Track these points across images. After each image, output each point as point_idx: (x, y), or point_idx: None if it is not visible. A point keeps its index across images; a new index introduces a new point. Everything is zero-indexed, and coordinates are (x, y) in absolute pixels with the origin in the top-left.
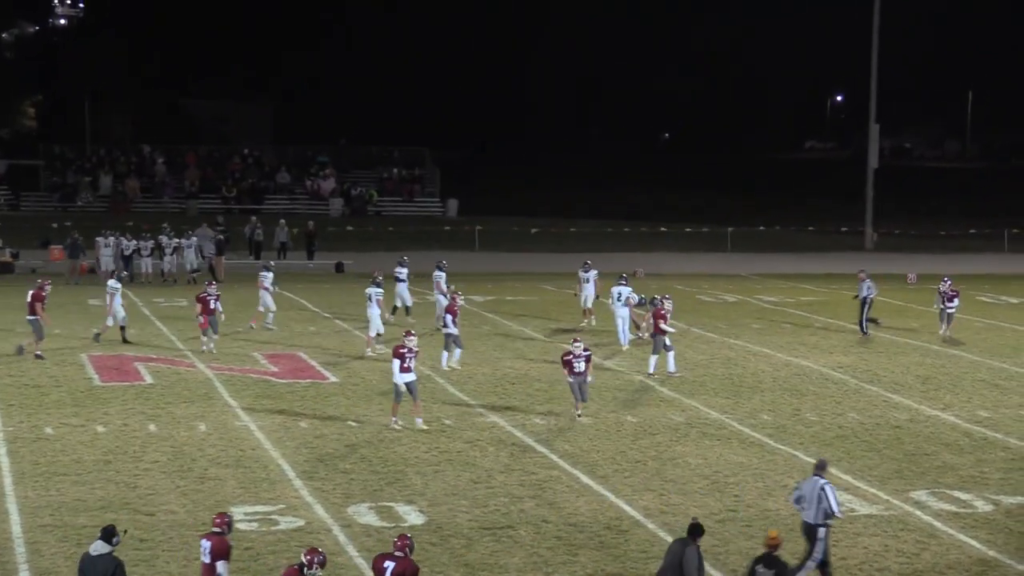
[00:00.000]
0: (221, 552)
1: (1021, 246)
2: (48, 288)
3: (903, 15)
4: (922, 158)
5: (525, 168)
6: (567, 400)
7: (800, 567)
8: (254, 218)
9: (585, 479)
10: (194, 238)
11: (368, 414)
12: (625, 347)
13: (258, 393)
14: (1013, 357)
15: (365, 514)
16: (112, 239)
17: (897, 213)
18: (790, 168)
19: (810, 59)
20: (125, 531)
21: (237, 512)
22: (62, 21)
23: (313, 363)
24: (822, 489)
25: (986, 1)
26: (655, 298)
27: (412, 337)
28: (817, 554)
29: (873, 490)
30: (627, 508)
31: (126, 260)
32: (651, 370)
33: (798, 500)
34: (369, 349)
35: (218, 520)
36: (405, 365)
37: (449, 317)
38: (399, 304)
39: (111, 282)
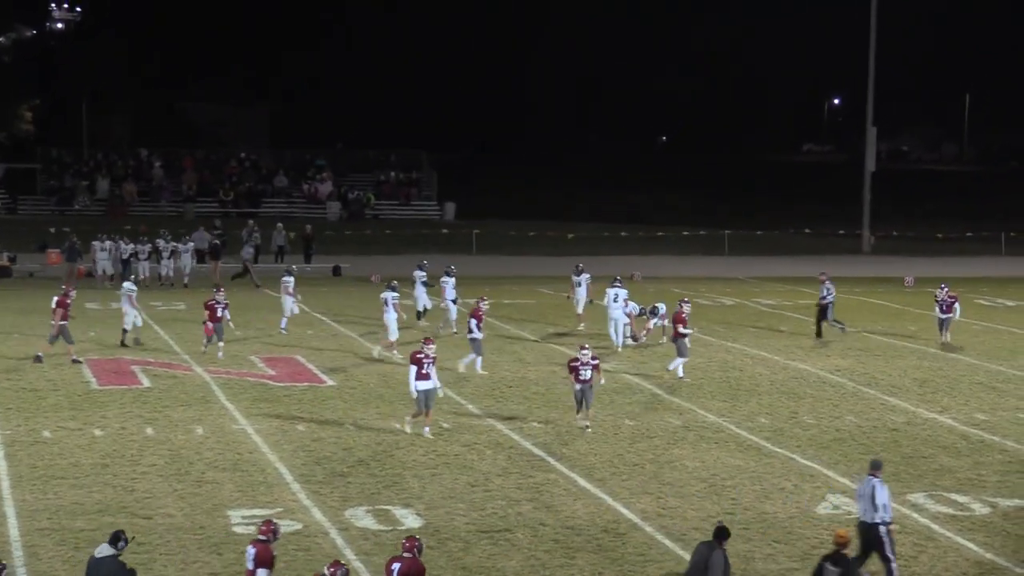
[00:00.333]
0: (265, 560)
1: (1018, 249)
2: (72, 295)
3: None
4: (919, 161)
5: (524, 168)
6: (565, 404)
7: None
8: (251, 222)
9: (582, 482)
10: (191, 243)
11: (366, 418)
12: (619, 349)
13: (255, 397)
14: (1010, 360)
15: (362, 517)
16: (109, 243)
17: (894, 216)
18: (787, 171)
19: (808, 61)
20: (133, 537)
21: (234, 516)
22: (59, 25)
23: (311, 367)
24: (873, 488)
25: (985, 2)
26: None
27: (431, 344)
28: (889, 552)
29: None
30: (624, 511)
31: (124, 264)
32: (680, 374)
33: (858, 499)
34: (377, 350)
35: (264, 528)
36: (423, 372)
37: (474, 322)
38: (421, 308)
39: (127, 284)
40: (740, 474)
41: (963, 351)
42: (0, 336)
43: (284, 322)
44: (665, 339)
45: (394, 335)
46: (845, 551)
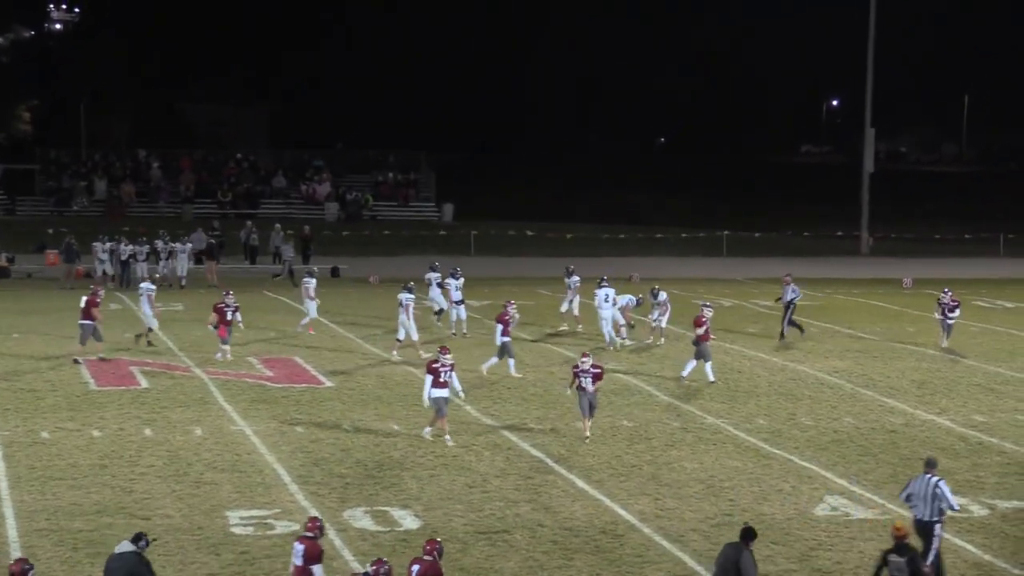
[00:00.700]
0: (314, 556)
1: (1017, 251)
2: (101, 294)
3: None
4: (918, 162)
5: (524, 169)
6: (563, 406)
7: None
8: (249, 223)
9: (581, 483)
10: (188, 244)
11: (364, 419)
12: (610, 348)
13: (254, 398)
14: (1009, 361)
15: (360, 518)
16: (110, 244)
17: (893, 217)
18: (786, 172)
19: (807, 61)
20: (155, 539)
21: (233, 516)
22: (57, 26)
23: (309, 368)
24: (936, 486)
25: (984, 3)
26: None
27: (447, 354)
28: (934, 550)
29: (868, 494)
30: (622, 512)
31: (123, 265)
32: (711, 378)
33: (908, 498)
34: (395, 353)
35: (310, 524)
36: (440, 380)
37: (500, 326)
38: (438, 308)
39: (145, 284)
40: (738, 475)
41: (961, 352)
42: None
43: (305, 320)
44: (663, 340)
45: (415, 335)
46: (906, 541)
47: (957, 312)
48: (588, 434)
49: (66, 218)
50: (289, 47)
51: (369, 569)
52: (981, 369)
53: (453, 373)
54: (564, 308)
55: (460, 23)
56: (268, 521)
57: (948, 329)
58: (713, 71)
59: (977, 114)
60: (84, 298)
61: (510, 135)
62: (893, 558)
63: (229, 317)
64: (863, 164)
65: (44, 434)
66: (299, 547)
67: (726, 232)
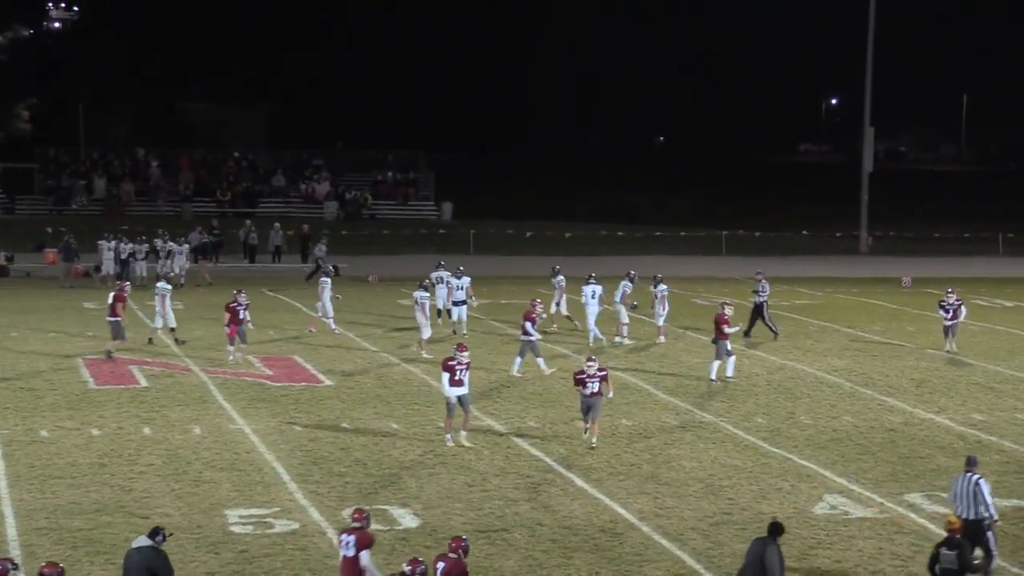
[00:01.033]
0: (365, 543)
1: (1016, 250)
2: (128, 289)
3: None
4: (917, 161)
5: (523, 169)
6: (562, 404)
7: (987, 569)
8: (248, 222)
9: (580, 482)
10: (186, 244)
11: (363, 417)
12: (592, 344)
13: (253, 397)
14: (1008, 360)
15: None
16: (115, 242)
17: (892, 216)
18: (785, 171)
19: (807, 61)
20: (171, 533)
21: (232, 515)
22: (56, 24)
23: (308, 367)
24: (976, 484)
25: (984, 3)
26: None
27: (464, 351)
28: (994, 549)
29: (868, 493)
30: (622, 511)
31: (122, 263)
32: (712, 376)
33: (953, 499)
34: (424, 352)
35: (357, 515)
36: (456, 379)
37: (529, 324)
38: (441, 306)
39: (161, 284)
40: (737, 474)
41: (960, 351)
42: None
43: (332, 321)
44: (663, 338)
45: (426, 333)
46: (957, 536)
47: (963, 314)
48: (595, 441)
49: (65, 217)
50: (289, 47)
51: (406, 569)
52: (980, 368)
53: (466, 373)
54: (553, 309)
55: (460, 23)
56: (267, 520)
57: (952, 332)
58: (713, 71)
59: (976, 114)
60: (112, 295)
61: (510, 135)
62: (944, 552)
63: (241, 316)
64: (862, 163)
65: (43, 433)
66: (349, 538)
67: (725, 232)
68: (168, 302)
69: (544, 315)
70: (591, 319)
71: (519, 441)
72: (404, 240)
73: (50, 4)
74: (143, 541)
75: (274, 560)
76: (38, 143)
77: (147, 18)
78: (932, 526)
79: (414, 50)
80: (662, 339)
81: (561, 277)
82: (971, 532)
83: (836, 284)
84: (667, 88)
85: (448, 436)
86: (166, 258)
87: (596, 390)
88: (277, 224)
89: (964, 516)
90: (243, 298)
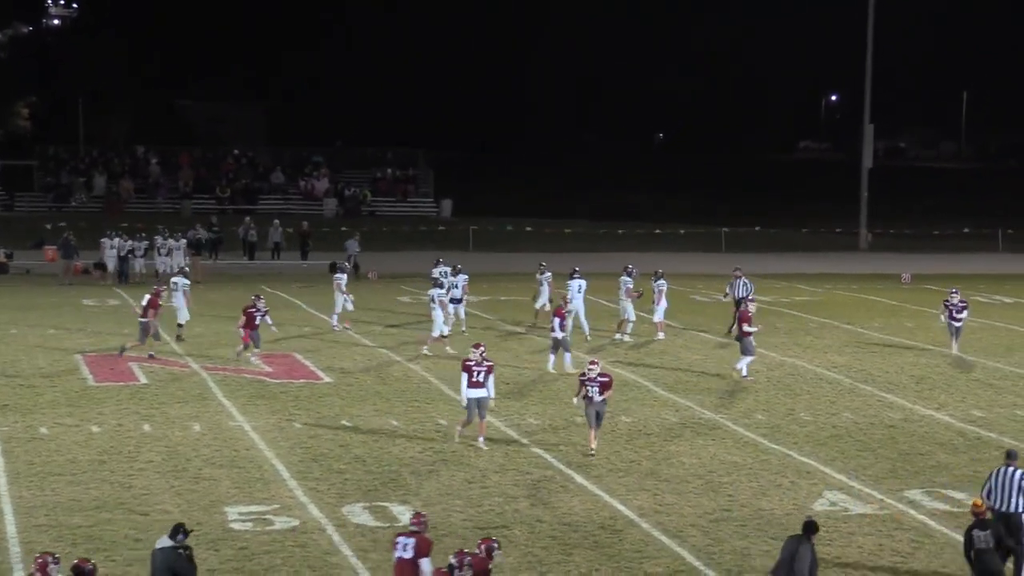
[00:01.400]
0: (426, 549)
1: (1016, 246)
2: (164, 294)
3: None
4: (917, 159)
5: (524, 168)
6: (562, 400)
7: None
8: (248, 219)
9: (579, 479)
10: (183, 240)
11: (363, 414)
12: (589, 338)
13: (252, 393)
14: (1007, 356)
15: (359, 514)
16: (117, 240)
17: (892, 213)
18: (785, 169)
19: (807, 59)
20: (192, 530)
21: (231, 512)
22: (56, 22)
23: (308, 363)
24: (1020, 477)
25: (984, 2)
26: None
27: (481, 348)
28: None
29: (867, 489)
30: (621, 508)
31: (121, 260)
32: (744, 373)
33: (988, 493)
34: (426, 348)
35: (415, 520)
36: (474, 380)
37: (558, 320)
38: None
39: (179, 279)
40: (737, 470)
41: (960, 348)
42: None
43: (335, 318)
44: (662, 334)
45: (437, 331)
46: (985, 517)
47: (965, 314)
48: (594, 447)
49: (64, 214)
50: (289, 47)
51: (452, 561)
52: (980, 364)
53: (491, 375)
54: (539, 305)
55: (460, 23)
56: (267, 517)
57: (957, 333)
58: (713, 70)
59: (976, 112)
60: (147, 296)
61: (510, 134)
62: (977, 533)
63: (257, 321)
64: (862, 160)
65: (43, 430)
66: (407, 540)
67: (725, 229)
68: (181, 297)
69: (573, 310)
70: (580, 314)
71: (519, 438)
72: (403, 237)
73: (49, 1)
74: (165, 542)
75: (274, 557)
76: (38, 141)
77: (147, 16)
78: (932, 523)
79: (414, 50)
80: (661, 335)
81: (548, 274)
82: (1006, 525)
83: (836, 280)
84: (667, 88)
85: (458, 429)
86: (166, 255)
87: (598, 397)
88: (276, 221)
89: (1000, 508)
90: (262, 304)
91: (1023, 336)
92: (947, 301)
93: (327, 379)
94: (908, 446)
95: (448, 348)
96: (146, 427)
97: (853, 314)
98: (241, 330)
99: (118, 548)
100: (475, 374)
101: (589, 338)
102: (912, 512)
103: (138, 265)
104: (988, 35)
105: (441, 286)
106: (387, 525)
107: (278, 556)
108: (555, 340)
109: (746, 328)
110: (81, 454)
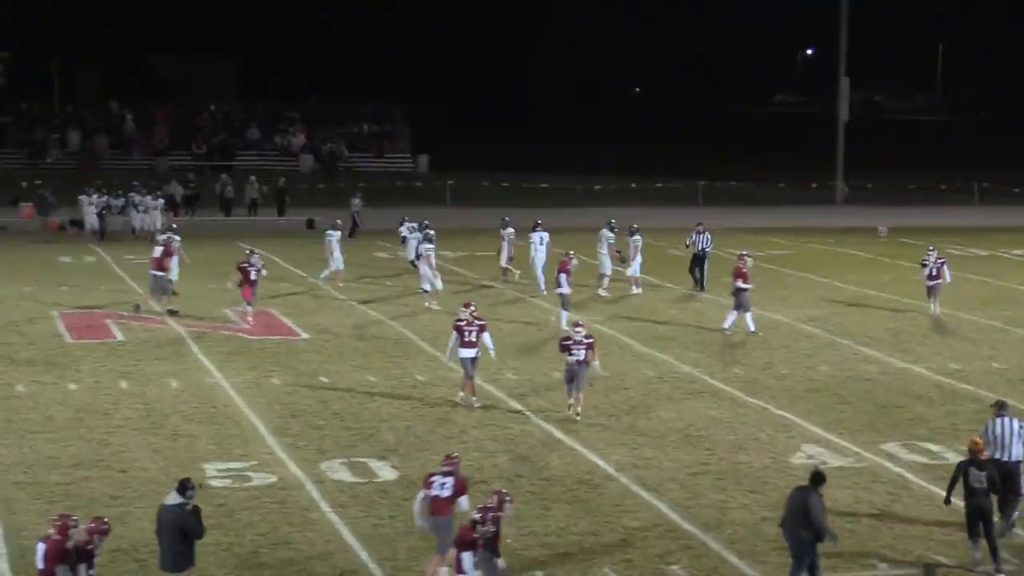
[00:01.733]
0: (463, 488)
1: (991, 199)
2: (175, 244)
3: None
4: (892, 111)
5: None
6: (541, 356)
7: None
8: (224, 175)
9: (558, 434)
10: (161, 199)
11: (341, 371)
12: (543, 292)
13: (230, 350)
14: (983, 309)
15: (338, 470)
16: (95, 196)
17: (867, 166)
18: (761, 123)
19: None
20: (201, 485)
21: (210, 469)
22: None
23: (285, 320)
24: (1015, 426)
25: None
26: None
27: (471, 307)
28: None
29: (844, 443)
30: (600, 462)
31: (99, 218)
32: (751, 327)
33: (988, 442)
34: (430, 303)
35: (448, 461)
36: (466, 340)
37: (564, 276)
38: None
39: (170, 235)
40: (715, 425)
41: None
42: None
43: (326, 273)
44: (639, 288)
45: (439, 284)
46: (983, 457)
47: (947, 276)
48: (579, 410)
49: (40, 171)
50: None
51: (476, 516)
52: (956, 317)
53: (485, 333)
54: (504, 260)
55: (460, 23)
56: (245, 473)
57: (935, 293)
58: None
59: (952, 65)
60: (158, 248)
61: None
62: (974, 471)
63: (253, 277)
64: (837, 113)
65: (19, 387)
66: (445, 479)
67: (702, 182)
68: (180, 254)
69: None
70: (539, 267)
71: (496, 392)
72: (380, 193)
73: None
74: (174, 498)
75: (252, 513)
76: (10, 98)
77: None
78: (910, 475)
79: (414, 50)
80: (637, 290)
81: (511, 229)
82: (1004, 474)
83: (811, 234)
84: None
85: (461, 395)
86: (143, 212)
87: (582, 358)
88: (253, 177)
89: (999, 457)
90: (257, 260)
91: (998, 289)
92: (924, 259)
93: (305, 335)
94: (885, 399)
95: (431, 304)
96: (123, 384)
97: (829, 268)
98: (239, 286)
99: (96, 506)
100: (467, 334)
101: (544, 291)
102: (889, 465)
103: (114, 223)
104: None
105: (431, 240)
106: (365, 481)
107: (256, 513)
108: (560, 296)
109: (739, 285)
110: (58, 412)
